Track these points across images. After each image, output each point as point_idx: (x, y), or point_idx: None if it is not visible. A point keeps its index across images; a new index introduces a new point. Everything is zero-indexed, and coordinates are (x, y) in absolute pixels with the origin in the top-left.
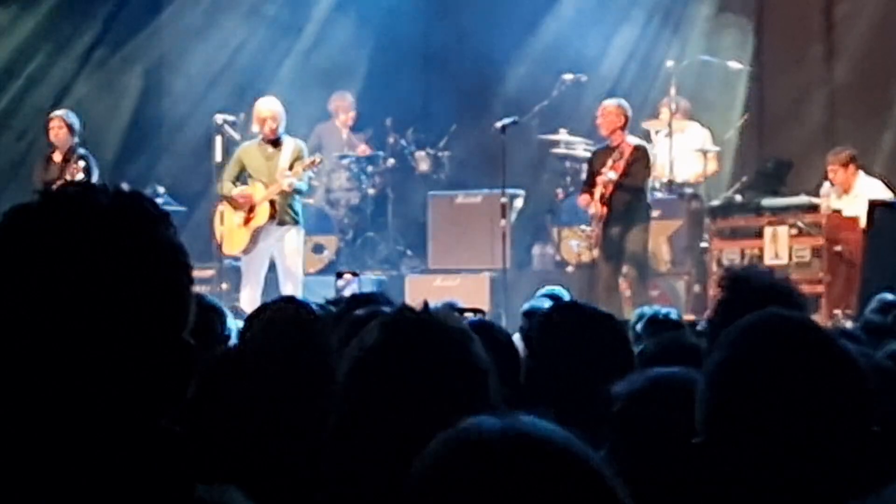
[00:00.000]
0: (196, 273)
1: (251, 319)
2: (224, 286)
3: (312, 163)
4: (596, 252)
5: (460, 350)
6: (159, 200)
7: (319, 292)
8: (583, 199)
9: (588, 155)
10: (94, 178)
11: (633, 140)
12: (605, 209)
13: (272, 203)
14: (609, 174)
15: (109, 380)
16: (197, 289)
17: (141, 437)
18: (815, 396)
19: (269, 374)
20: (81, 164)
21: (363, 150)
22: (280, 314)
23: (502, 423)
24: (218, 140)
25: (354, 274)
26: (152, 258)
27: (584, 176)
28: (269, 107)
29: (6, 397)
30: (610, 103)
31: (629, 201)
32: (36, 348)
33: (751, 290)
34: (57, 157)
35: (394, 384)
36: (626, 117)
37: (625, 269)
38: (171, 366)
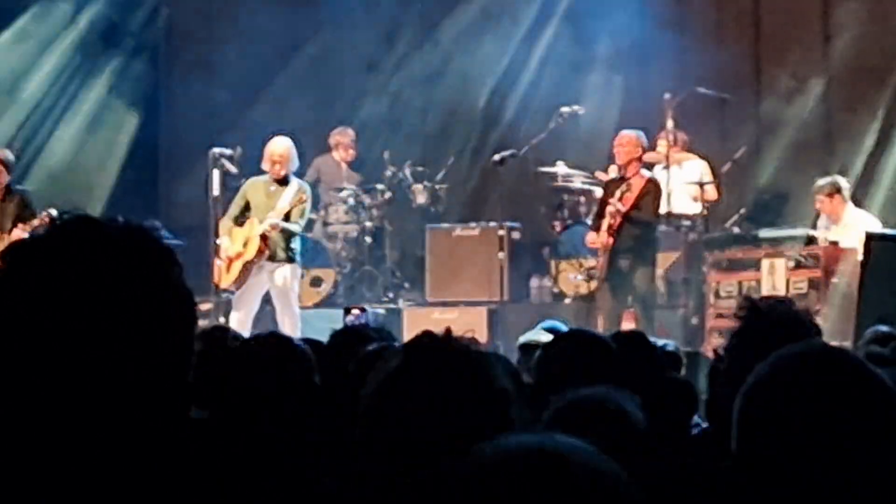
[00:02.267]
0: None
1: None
2: (222, 320)
3: (300, 200)
4: (595, 283)
5: (482, 374)
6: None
7: (318, 326)
8: (590, 237)
9: (586, 187)
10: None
11: (646, 173)
12: (611, 240)
13: (263, 238)
14: (617, 205)
15: (112, 412)
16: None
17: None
18: (849, 421)
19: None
20: (24, 201)
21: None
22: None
23: (538, 440)
24: (215, 174)
25: (362, 310)
26: (158, 293)
27: (583, 208)
28: (280, 148)
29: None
30: (628, 133)
31: (638, 235)
32: (39, 382)
33: (768, 320)
34: None
35: (416, 408)
36: (643, 149)
37: (629, 301)
38: (172, 400)
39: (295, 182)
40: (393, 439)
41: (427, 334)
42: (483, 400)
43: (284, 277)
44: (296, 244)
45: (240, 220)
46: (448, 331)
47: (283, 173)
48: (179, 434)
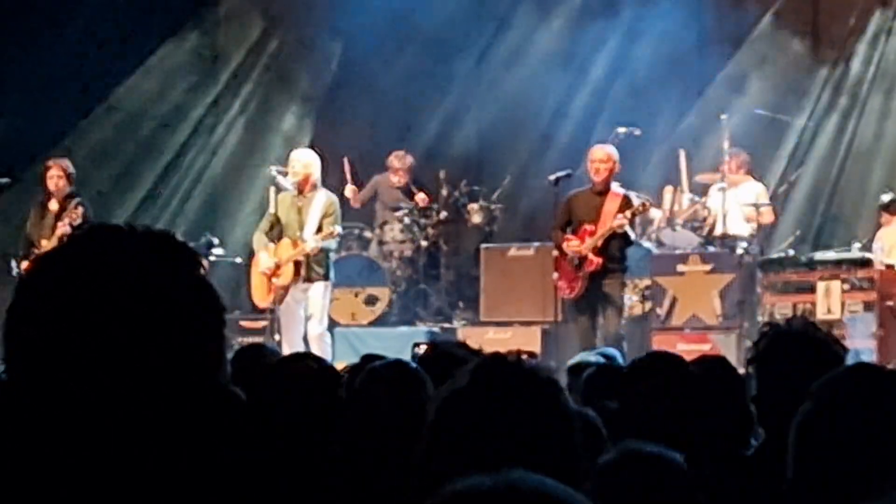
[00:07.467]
0: (248, 324)
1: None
2: (276, 337)
3: (331, 234)
4: (568, 302)
5: (548, 396)
6: (214, 251)
7: (372, 344)
8: (573, 244)
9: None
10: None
11: (620, 189)
12: (600, 260)
13: (296, 264)
14: (621, 219)
15: (145, 418)
16: (249, 340)
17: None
18: None
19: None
20: (80, 209)
21: (423, 199)
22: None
23: (493, 479)
24: (272, 191)
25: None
26: (184, 296)
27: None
28: (302, 158)
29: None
30: (606, 148)
31: (619, 256)
32: (63, 396)
33: (788, 342)
34: (53, 204)
35: (481, 427)
36: (618, 164)
37: (601, 321)
38: (207, 407)
39: (322, 193)
40: (455, 458)
41: (496, 354)
42: (546, 421)
43: (317, 296)
44: (327, 261)
45: (271, 234)
46: (518, 353)
47: (305, 177)
48: (212, 433)
